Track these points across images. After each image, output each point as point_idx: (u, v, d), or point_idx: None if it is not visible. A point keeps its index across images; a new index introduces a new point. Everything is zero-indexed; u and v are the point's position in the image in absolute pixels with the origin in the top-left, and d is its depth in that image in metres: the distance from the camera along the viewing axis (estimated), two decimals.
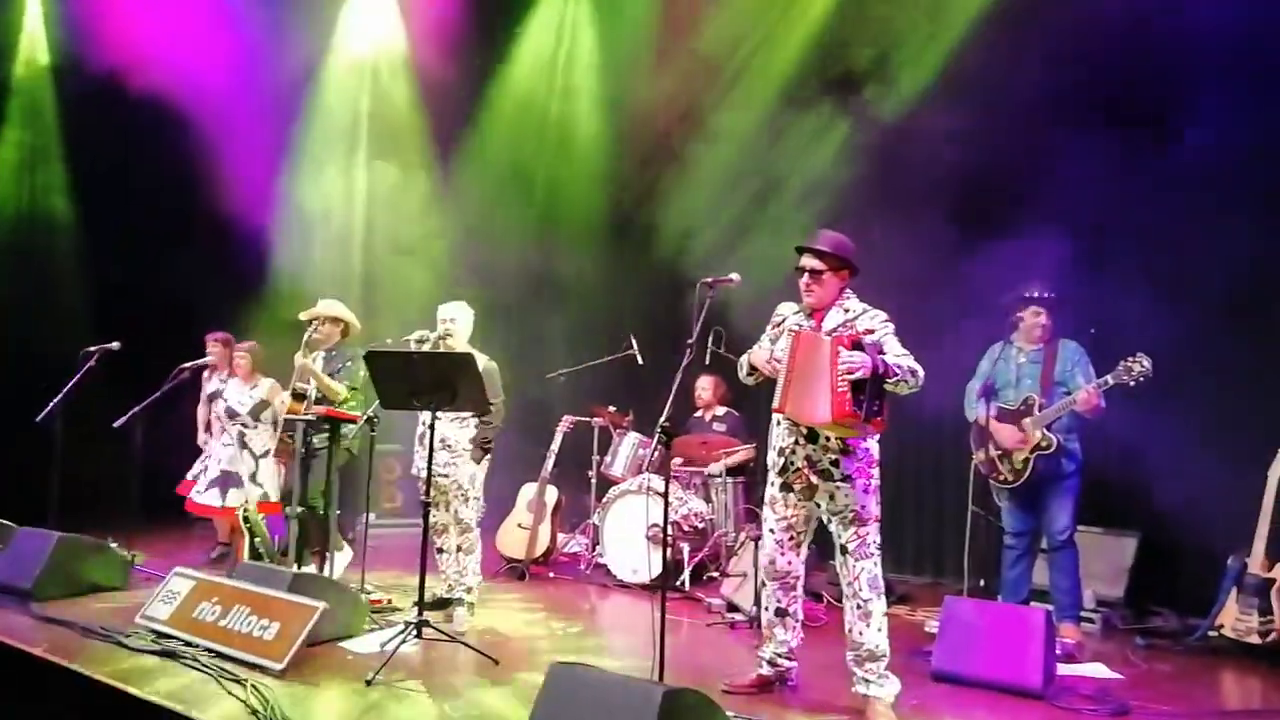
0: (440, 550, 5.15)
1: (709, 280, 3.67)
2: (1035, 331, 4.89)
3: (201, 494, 6.14)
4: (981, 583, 5.44)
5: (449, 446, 4.93)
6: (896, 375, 3.49)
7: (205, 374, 6.54)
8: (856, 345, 3.45)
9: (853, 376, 3.37)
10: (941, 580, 6.31)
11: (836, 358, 3.40)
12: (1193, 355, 5.24)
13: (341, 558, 5.65)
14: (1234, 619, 4.68)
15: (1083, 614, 5.00)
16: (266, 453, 6.07)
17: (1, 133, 7.79)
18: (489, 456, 5.05)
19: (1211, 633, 4.76)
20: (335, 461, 5.11)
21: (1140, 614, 5.36)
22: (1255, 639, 4.57)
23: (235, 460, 6.14)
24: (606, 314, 7.79)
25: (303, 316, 5.42)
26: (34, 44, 7.95)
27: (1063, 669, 4.21)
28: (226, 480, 6.12)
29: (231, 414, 6.20)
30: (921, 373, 3.57)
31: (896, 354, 3.58)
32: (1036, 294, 4.91)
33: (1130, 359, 4.48)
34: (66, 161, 8.04)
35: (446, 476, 4.92)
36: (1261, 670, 4.47)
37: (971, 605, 4.29)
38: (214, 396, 6.44)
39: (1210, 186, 5.35)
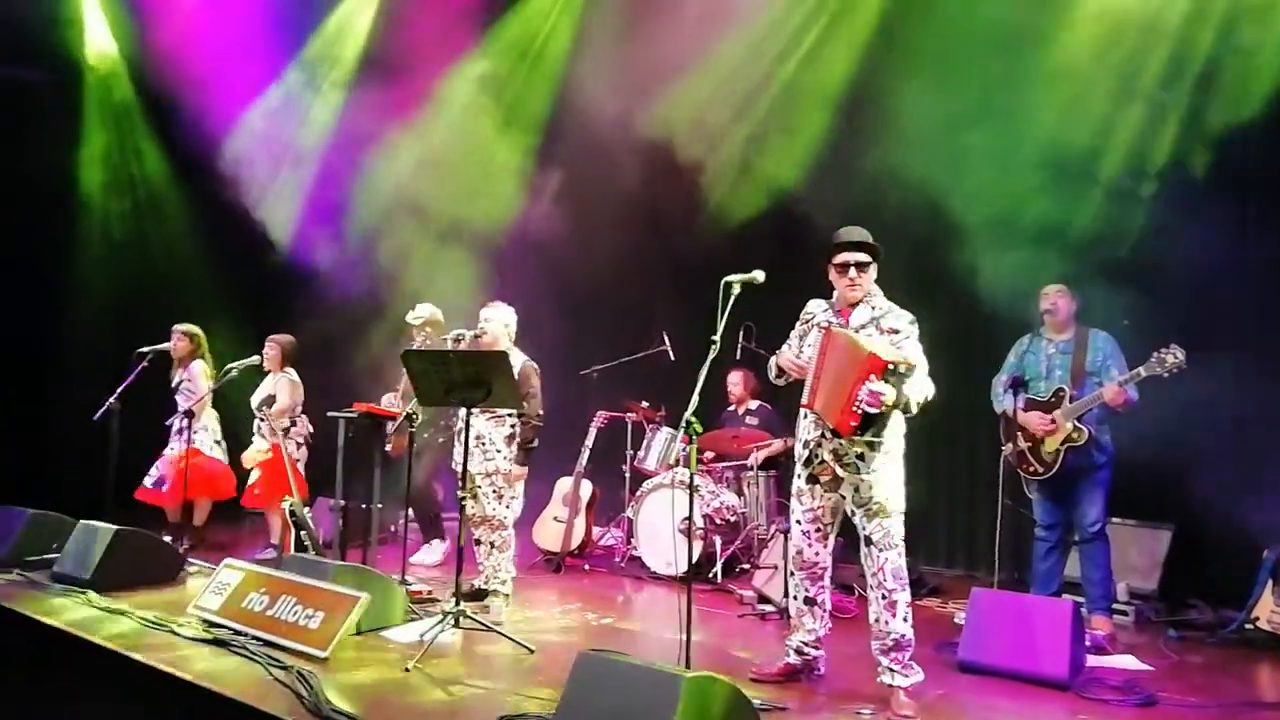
0: (478, 542, 5.28)
1: (733, 278, 3.74)
2: (1054, 314, 4.86)
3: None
4: (1015, 575, 5.47)
5: (483, 445, 5.06)
6: (911, 413, 3.59)
7: (173, 368, 6.57)
8: (889, 372, 3.45)
9: (871, 411, 3.44)
10: (974, 573, 6.32)
11: (864, 380, 3.41)
12: (1228, 345, 5.20)
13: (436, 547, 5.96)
14: (1270, 611, 4.66)
15: (1116, 606, 5.00)
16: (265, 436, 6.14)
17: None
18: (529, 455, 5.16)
19: (1247, 625, 4.74)
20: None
21: (1174, 606, 5.33)
22: None
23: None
24: (640, 310, 7.89)
25: (410, 319, 5.63)
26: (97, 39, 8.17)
27: (1092, 660, 4.23)
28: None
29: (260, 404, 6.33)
30: (932, 392, 3.64)
31: (915, 359, 3.61)
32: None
33: (1164, 350, 4.45)
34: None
35: (479, 473, 5.06)
36: None
37: (998, 597, 4.32)
38: (175, 389, 6.51)
39: (1245, 171, 5.31)
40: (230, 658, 3.94)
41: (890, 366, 3.44)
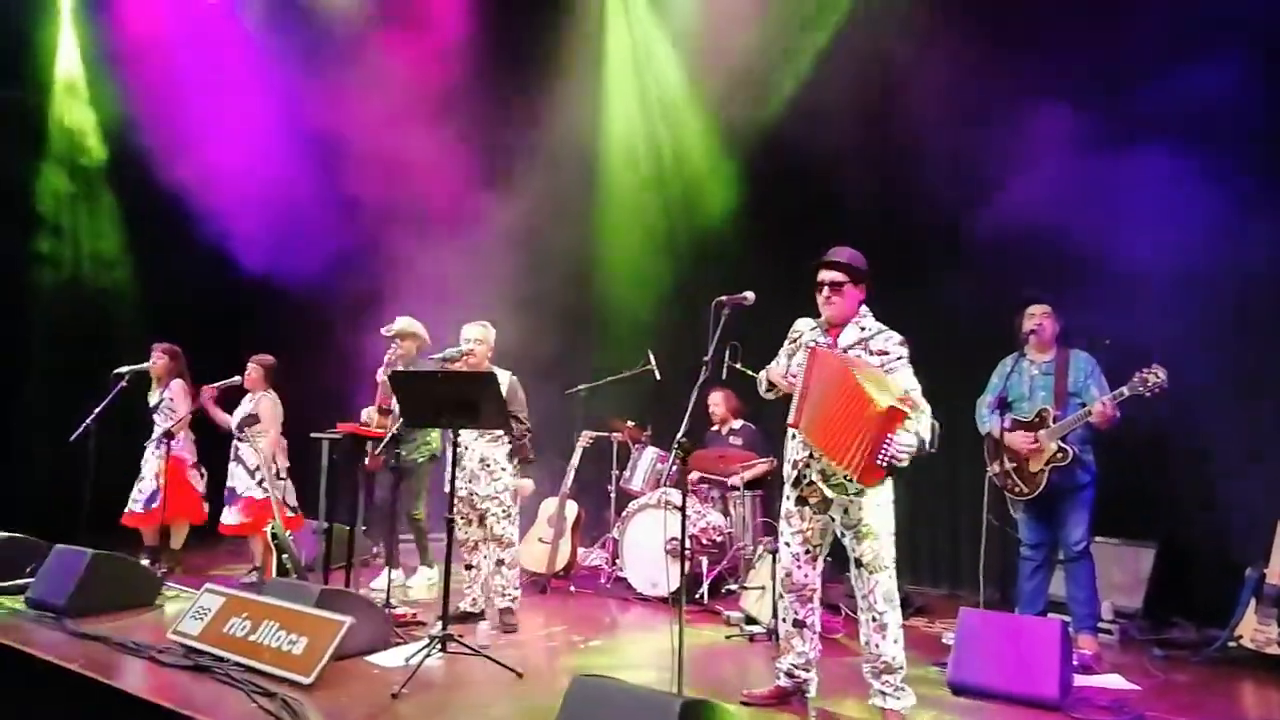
0: (468, 567, 5.24)
1: (724, 299, 3.74)
2: (1039, 334, 4.90)
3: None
4: (1000, 594, 5.48)
5: (488, 466, 5.07)
6: (924, 454, 3.53)
7: (152, 387, 6.50)
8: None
9: (900, 463, 3.40)
10: (959, 592, 6.32)
11: (890, 430, 3.32)
12: (1209, 364, 5.26)
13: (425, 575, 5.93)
14: (1253, 630, 4.68)
15: (1100, 625, 5.01)
16: (259, 466, 6.09)
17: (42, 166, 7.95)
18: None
19: (1230, 643, 4.75)
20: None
21: (1158, 625, 5.35)
22: (1274, 649, 4.57)
23: (232, 475, 6.17)
24: (626, 330, 7.88)
25: (384, 331, 5.61)
26: (70, 76, 8.12)
27: (1080, 680, 4.23)
28: (230, 497, 6.13)
29: (239, 426, 6.22)
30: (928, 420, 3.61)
31: (908, 387, 3.59)
32: (1037, 293, 4.99)
33: (1146, 370, 4.49)
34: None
35: (486, 496, 5.05)
36: None
37: (987, 617, 4.32)
38: (154, 410, 6.43)
39: (1225, 188, 5.36)
40: (212, 684, 3.87)
41: (908, 417, 3.40)
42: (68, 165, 8.04)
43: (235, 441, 6.20)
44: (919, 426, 3.48)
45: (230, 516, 6.10)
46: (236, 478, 6.17)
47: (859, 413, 3.39)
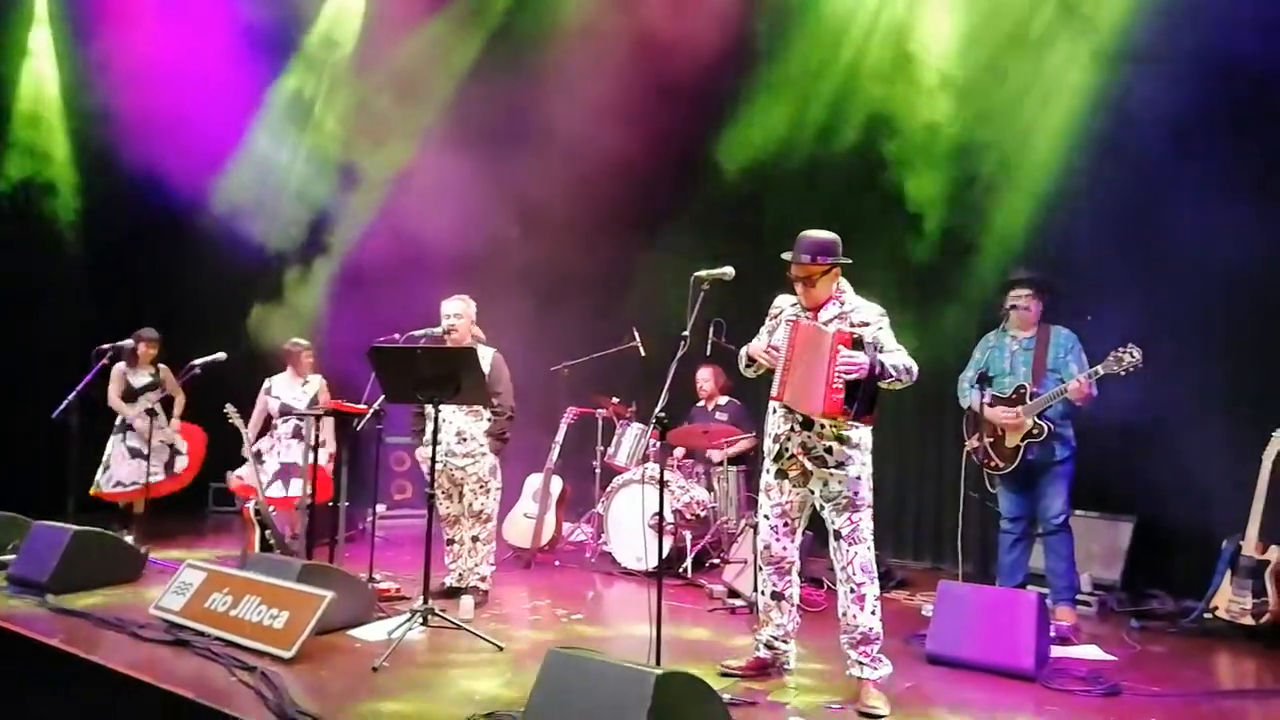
0: (450, 541, 5.25)
1: (702, 274, 3.73)
2: (1025, 315, 4.93)
3: (266, 489, 5.99)
4: (981, 568, 5.52)
5: (464, 440, 5.04)
6: (892, 376, 3.56)
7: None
8: (857, 344, 3.50)
9: (850, 377, 3.43)
10: (940, 565, 6.37)
11: (836, 355, 3.45)
12: (1188, 340, 5.28)
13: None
14: (1228, 601, 4.74)
15: (1079, 597, 5.06)
16: (324, 442, 6.07)
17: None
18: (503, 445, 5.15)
19: (1206, 615, 4.81)
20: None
21: (1136, 597, 5.41)
22: (1249, 620, 4.63)
23: (292, 451, 6.12)
24: (610, 306, 7.86)
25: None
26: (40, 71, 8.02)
27: (1057, 651, 4.29)
28: (288, 471, 6.06)
29: (285, 410, 6.19)
30: (915, 369, 3.64)
31: (892, 349, 3.65)
32: (1023, 275, 4.98)
33: (1120, 349, 4.53)
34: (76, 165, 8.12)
35: (463, 469, 5.04)
36: (1255, 651, 4.53)
37: (965, 589, 4.36)
38: (143, 390, 6.52)
39: (1208, 160, 5.36)
40: (193, 659, 3.88)
41: (856, 338, 3.51)
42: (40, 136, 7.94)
43: (295, 421, 6.15)
44: (890, 360, 3.56)
45: (279, 490, 6.02)
46: (295, 453, 6.09)
47: (818, 351, 3.51)
